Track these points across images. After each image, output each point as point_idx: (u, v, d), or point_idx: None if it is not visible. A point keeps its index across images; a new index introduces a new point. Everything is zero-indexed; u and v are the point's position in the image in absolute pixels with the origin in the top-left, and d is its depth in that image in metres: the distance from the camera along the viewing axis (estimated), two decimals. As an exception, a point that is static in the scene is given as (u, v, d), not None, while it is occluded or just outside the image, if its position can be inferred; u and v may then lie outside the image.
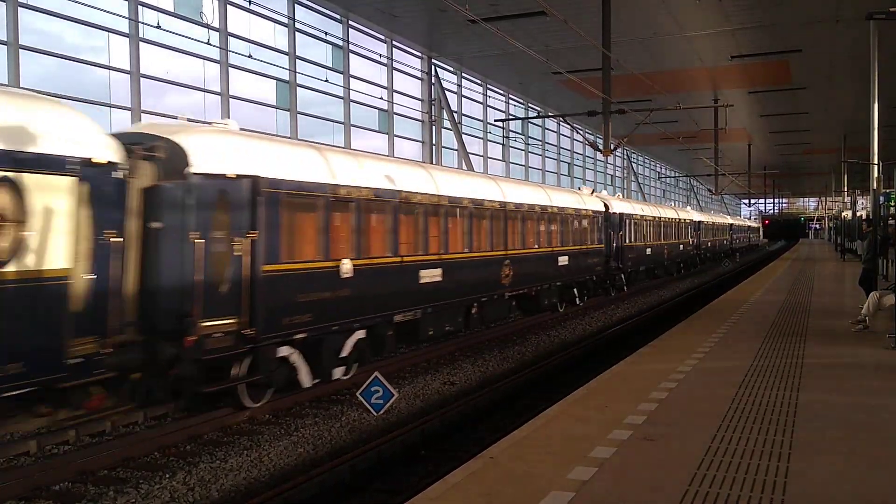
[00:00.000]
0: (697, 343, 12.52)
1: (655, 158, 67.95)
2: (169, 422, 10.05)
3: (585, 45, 19.36)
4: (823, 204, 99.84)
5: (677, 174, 71.44)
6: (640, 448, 6.78)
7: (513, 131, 38.44)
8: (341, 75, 25.14)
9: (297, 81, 22.95)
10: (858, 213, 41.06)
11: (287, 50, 22.79)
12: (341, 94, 25.21)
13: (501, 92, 37.30)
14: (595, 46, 18.73)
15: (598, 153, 30.13)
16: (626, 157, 58.58)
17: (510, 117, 37.15)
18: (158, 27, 16.03)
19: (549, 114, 37.57)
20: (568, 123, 27.74)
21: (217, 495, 7.94)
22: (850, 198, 52.73)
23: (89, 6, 14.97)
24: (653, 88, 27.20)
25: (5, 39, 15.07)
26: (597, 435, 7.15)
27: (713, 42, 27.95)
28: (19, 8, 15.20)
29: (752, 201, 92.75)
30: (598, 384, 9.70)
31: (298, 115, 23.14)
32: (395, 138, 28.26)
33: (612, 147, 20.08)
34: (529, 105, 40.59)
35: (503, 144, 37.30)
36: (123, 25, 17.26)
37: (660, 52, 28.94)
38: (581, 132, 28.73)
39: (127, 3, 17.40)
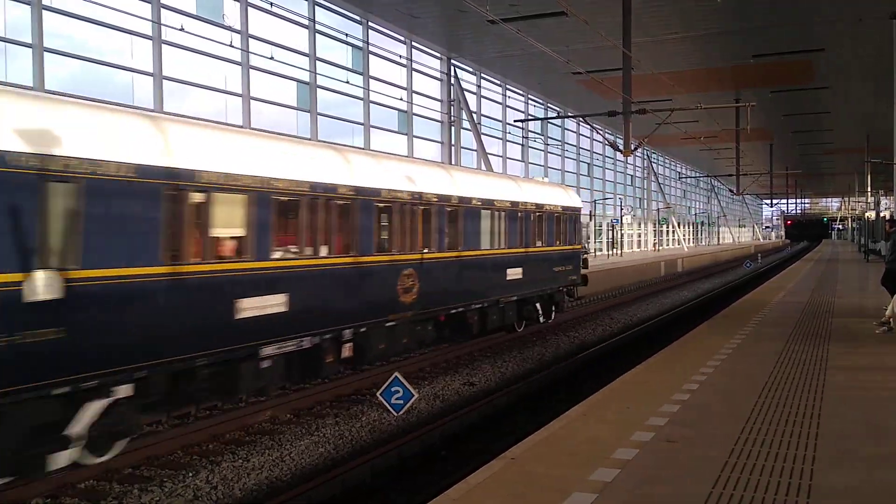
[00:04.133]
0: (719, 345, 12.42)
1: (676, 158, 67.53)
2: (192, 421, 10.14)
3: (605, 45, 19.27)
4: (846, 204, 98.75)
5: (698, 174, 70.87)
6: (663, 450, 6.74)
7: (532, 132, 38.37)
8: (361, 76, 25.23)
9: (318, 83, 23.06)
10: (882, 214, 40.60)
11: (308, 52, 22.92)
12: (361, 96, 25.31)
13: (520, 92, 37.26)
14: (615, 46, 18.65)
15: (618, 153, 30.01)
16: (646, 157, 58.27)
17: (529, 118, 37.09)
18: (182, 30, 16.17)
19: (569, 114, 37.46)
20: (588, 124, 27.62)
21: (240, 494, 8.00)
22: (873, 198, 52.17)
23: (113, 9, 15.12)
24: (673, 88, 27.03)
25: (30, 43, 15.28)
26: (619, 436, 7.12)
27: (735, 41, 27.75)
28: (43, 11, 15.41)
29: (775, 202, 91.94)
30: (619, 385, 9.65)
31: (318, 117, 23.28)
32: (414, 139, 28.32)
33: (633, 147, 19.97)
34: (549, 105, 40.51)
35: (522, 145, 37.26)
36: (146, 28, 17.44)
37: (681, 52, 28.77)
38: (601, 132, 28.63)
39: (150, 6, 17.58)
